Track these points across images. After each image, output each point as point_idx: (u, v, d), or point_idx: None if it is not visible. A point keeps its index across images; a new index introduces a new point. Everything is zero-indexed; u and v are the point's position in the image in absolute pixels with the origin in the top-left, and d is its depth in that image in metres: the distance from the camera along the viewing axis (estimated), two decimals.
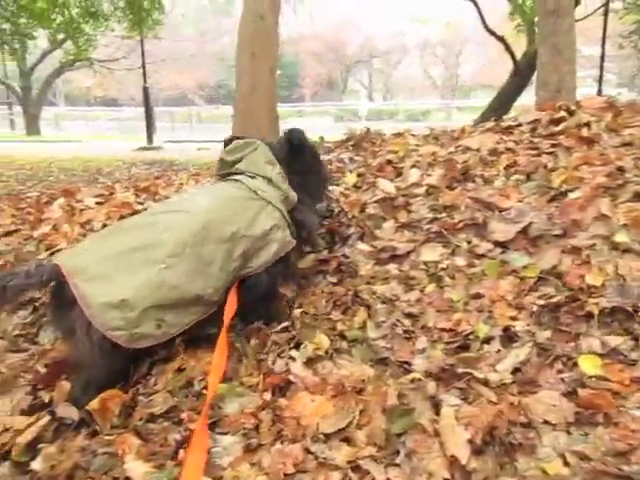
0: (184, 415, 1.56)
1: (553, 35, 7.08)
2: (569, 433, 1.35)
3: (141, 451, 1.44)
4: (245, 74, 7.65)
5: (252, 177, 2.00)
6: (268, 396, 1.59)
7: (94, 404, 1.57)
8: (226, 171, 2.14)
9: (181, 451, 1.43)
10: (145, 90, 17.05)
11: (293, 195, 2.05)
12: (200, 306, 1.73)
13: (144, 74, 17.20)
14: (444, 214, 2.38)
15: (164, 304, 1.62)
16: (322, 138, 4.23)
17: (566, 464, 1.26)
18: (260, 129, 7.56)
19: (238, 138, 2.18)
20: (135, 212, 3.01)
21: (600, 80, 15.12)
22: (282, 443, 1.41)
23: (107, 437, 1.52)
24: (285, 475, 1.30)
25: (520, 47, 14.40)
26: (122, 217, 3.00)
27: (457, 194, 2.46)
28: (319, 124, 18.72)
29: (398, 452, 1.30)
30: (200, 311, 1.74)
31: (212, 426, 1.52)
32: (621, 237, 1.94)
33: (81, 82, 34.58)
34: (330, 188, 2.59)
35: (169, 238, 1.67)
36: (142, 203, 3.16)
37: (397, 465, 1.27)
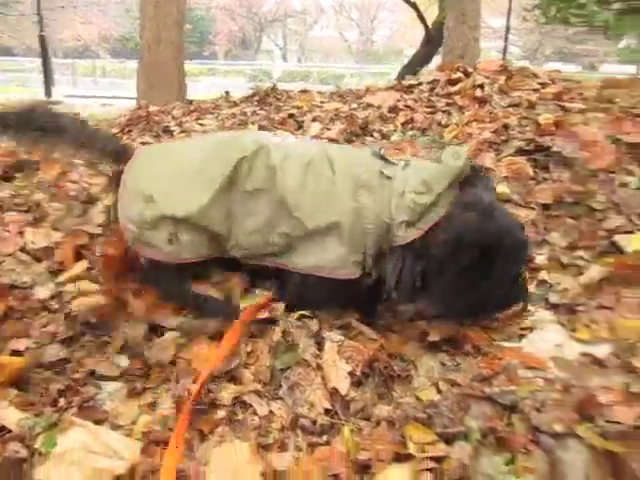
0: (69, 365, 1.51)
1: (459, 2, 7.29)
2: (443, 364, 1.45)
3: (16, 401, 1.38)
4: (149, 24, 7.27)
5: (389, 177, 1.49)
6: None
7: None
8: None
9: (62, 399, 1.39)
10: (42, 39, 15.77)
11: (401, 237, 1.43)
12: (218, 247, 1.56)
13: (40, 21, 15.89)
14: None
15: (188, 222, 1.47)
16: (227, 92, 4.14)
17: (439, 391, 1.35)
18: (166, 83, 7.27)
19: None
20: (20, 161, 2.82)
21: (504, 51, 15.72)
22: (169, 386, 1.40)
23: None
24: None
25: (433, 14, 14.66)
26: (7, 166, 2.80)
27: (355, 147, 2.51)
28: (232, 83, 18.19)
29: (281, 386, 1.34)
30: (216, 252, 1.57)
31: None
32: (502, 188, 2.07)
33: None
34: None
35: (232, 170, 1.50)
36: (30, 152, 2.95)
37: (280, 398, 1.31)
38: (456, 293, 1.44)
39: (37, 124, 1.54)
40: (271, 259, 1.56)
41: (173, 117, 3.60)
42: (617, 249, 1.79)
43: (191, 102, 4.23)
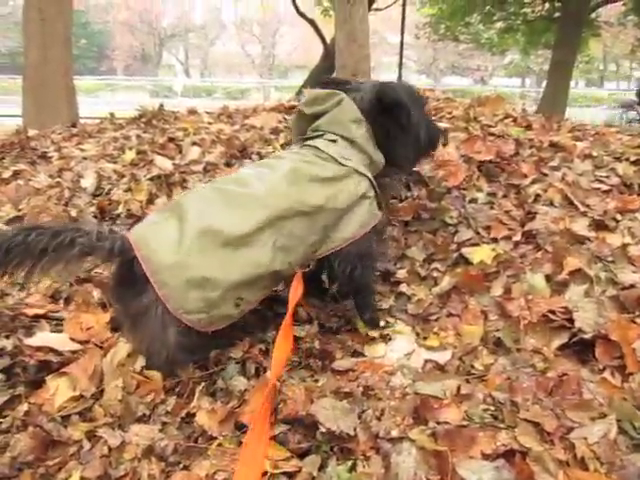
0: None
1: (348, 22, 7.54)
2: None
3: None
4: (34, 42, 6.93)
5: (333, 140, 1.72)
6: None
7: None
8: (305, 126, 1.84)
9: None
10: None
11: (379, 158, 1.78)
12: (274, 282, 1.62)
13: None
14: None
15: (246, 281, 1.47)
16: (112, 114, 4.07)
17: None
18: (55, 103, 6.96)
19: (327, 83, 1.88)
20: None
21: (400, 66, 16.39)
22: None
23: None
24: None
25: (331, 30, 15.05)
26: None
27: (232, 170, 2.56)
28: (133, 99, 17.66)
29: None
30: (272, 287, 1.64)
31: None
32: None
33: None
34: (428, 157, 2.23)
35: (257, 213, 1.49)
36: None
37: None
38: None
39: None
40: (322, 249, 1.65)
41: (52, 142, 3.49)
42: (465, 260, 1.96)
43: (74, 125, 4.12)
